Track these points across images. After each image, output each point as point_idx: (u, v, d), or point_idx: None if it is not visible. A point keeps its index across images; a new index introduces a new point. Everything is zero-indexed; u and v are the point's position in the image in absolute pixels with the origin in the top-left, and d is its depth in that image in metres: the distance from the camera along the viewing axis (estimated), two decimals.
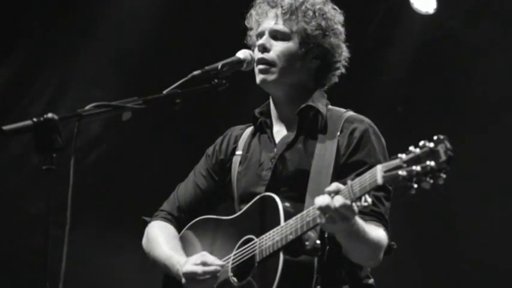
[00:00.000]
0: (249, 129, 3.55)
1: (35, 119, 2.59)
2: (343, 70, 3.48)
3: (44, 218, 2.56)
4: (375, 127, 3.33)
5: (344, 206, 2.84)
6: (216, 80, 3.22)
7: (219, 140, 3.62)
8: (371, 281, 3.31)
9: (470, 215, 6.72)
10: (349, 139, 3.27)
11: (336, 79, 3.49)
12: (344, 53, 3.46)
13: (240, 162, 3.47)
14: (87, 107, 2.86)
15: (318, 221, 2.93)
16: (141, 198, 6.33)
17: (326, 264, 3.13)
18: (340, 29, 3.45)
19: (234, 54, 3.36)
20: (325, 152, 3.25)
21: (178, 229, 3.54)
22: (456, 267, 6.77)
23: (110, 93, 6.09)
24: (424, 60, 6.85)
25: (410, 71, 6.90)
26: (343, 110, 3.42)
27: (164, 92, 3.08)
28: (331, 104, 3.46)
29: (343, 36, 3.46)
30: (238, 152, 3.50)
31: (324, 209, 2.86)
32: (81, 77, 6.57)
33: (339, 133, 3.29)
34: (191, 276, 3.22)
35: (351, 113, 3.40)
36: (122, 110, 2.96)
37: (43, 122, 2.59)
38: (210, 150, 3.62)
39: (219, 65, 3.24)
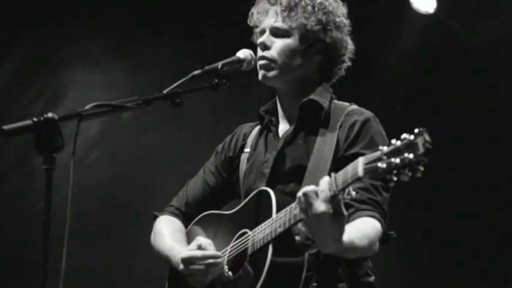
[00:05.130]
0: (258, 127, 3.56)
1: (35, 119, 2.59)
2: (349, 63, 3.46)
3: (44, 218, 2.55)
4: (376, 120, 3.30)
5: (324, 197, 2.78)
6: (216, 80, 3.22)
7: (228, 137, 3.63)
8: (371, 278, 3.28)
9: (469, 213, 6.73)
10: (348, 132, 3.24)
11: (342, 72, 3.47)
12: (349, 46, 3.43)
13: (247, 160, 3.48)
14: (87, 107, 2.85)
15: (301, 215, 2.87)
16: (142, 197, 6.35)
17: (322, 262, 3.10)
18: (344, 21, 3.41)
19: (234, 53, 3.36)
20: (324, 146, 3.24)
21: (186, 224, 3.55)
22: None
23: (111, 93, 6.10)
24: (424, 60, 6.85)
25: (410, 71, 6.89)
26: (346, 103, 3.40)
27: (164, 91, 3.08)
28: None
29: (347, 29, 3.42)
30: (247, 150, 3.51)
31: (303, 198, 2.81)
32: (81, 77, 6.58)
33: (339, 126, 3.27)
34: (190, 260, 3.20)
35: (353, 106, 3.37)
36: (122, 110, 2.96)
37: (43, 121, 2.58)
38: (219, 147, 3.63)
39: (219, 64, 3.23)
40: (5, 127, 2.59)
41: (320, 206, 2.78)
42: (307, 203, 2.80)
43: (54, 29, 6.43)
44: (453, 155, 6.49)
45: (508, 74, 6.58)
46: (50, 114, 2.60)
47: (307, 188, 2.82)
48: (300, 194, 2.83)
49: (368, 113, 3.31)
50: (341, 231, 2.83)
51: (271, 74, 3.36)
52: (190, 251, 3.23)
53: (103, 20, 6.51)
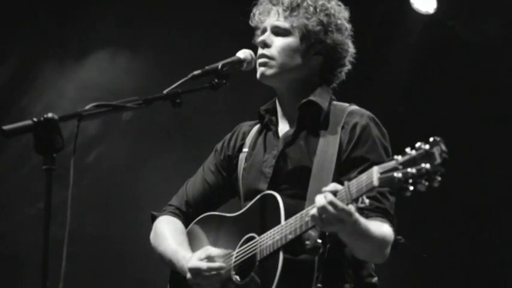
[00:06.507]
0: (257, 126, 3.56)
1: (35, 119, 2.59)
2: (349, 66, 3.46)
3: (44, 218, 2.55)
4: (377, 120, 3.31)
5: (340, 209, 2.83)
6: (216, 80, 3.22)
7: (228, 136, 3.63)
8: (374, 279, 3.29)
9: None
10: (350, 134, 3.25)
11: (343, 76, 3.47)
12: (350, 49, 3.44)
13: (246, 160, 3.48)
14: (87, 107, 2.86)
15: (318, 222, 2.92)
16: (142, 197, 6.35)
17: (327, 263, 3.11)
18: (346, 24, 3.42)
19: (234, 54, 3.36)
20: (327, 148, 3.24)
21: (186, 224, 3.55)
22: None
23: (111, 93, 6.10)
24: (424, 60, 6.85)
25: (410, 71, 6.90)
26: (346, 104, 3.40)
27: (164, 91, 3.08)
28: None
29: (348, 32, 3.43)
30: (245, 149, 3.51)
31: (320, 211, 2.86)
32: (80, 77, 6.58)
33: (340, 128, 3.28)
34: (196, 271, 3.22)
35: (353, 107, 3.38)
36: (122, 110, 2.96)
37: (43, 121, 2.59)
38: (218, 145, 3.63)
39: (219, 64, 3.24)
40: (5, 127, 2.59)
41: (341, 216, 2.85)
42: (331, 214, 2.84)
43: (54, 28, 6.43)
44: (453, 156, 6.48)
45: (508, 73, 6.58)
46: (50, 114, 2.60)
47: (326, 200, 2.84)
48: (320, 206, 2.85)
49: (368, 114, 3.32)
50: (354, 216, 2.88)
51: (270, 72, 3.36)
52: (198, 261, 3.23)
53: (103, 20, 6.51)
